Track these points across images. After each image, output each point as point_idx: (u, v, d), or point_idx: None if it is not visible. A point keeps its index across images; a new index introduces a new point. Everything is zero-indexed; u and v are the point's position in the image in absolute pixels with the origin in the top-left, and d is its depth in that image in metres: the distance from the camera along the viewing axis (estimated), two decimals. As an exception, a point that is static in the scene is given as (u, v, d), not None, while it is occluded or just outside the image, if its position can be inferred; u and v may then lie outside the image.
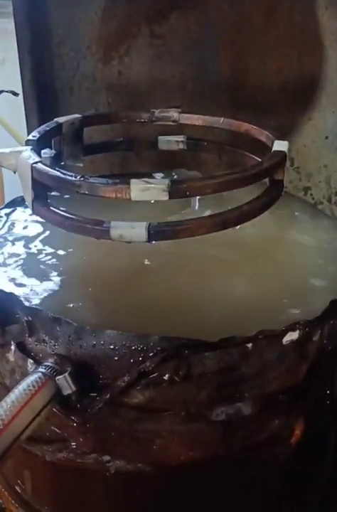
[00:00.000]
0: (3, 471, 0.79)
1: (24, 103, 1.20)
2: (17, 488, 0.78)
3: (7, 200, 0.91)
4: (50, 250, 0.77)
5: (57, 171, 0.63)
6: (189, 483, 0.65)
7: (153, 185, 0.59)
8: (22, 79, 1.20)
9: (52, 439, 0.66)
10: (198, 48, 1.17)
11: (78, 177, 0.61)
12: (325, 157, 1.23)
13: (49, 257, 0.76)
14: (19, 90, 1.21)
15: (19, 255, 0.76)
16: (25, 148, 0.69)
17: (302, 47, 1.16)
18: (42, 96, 1.21)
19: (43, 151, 0.76)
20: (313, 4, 1.13)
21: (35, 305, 0.66)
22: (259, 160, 0.79)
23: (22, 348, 0.64)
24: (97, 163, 1.08)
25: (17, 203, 0.88)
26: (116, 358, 0.59)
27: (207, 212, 0.69)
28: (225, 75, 1.19)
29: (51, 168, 0.64)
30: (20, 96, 1.20)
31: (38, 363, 0.62)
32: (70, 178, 0.62)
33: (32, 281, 0.70)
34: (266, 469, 0.68)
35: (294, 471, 0.70)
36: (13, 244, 0.79)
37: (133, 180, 0.59)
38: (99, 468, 0.65)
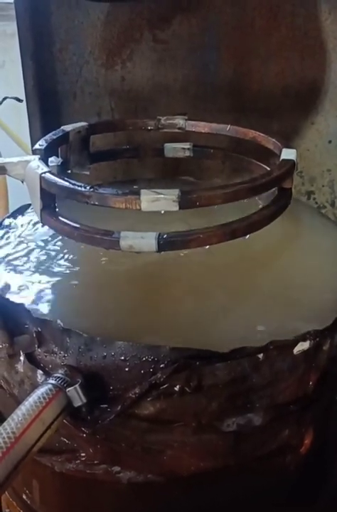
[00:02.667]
0: (11, 480, 0.79)
1: (27, 108, 1.20)
2: (24, 497, 0.78)
3: (11, 209, 0.91)
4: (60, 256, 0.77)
5: (67, 181, 0.63)
6: (200, 493, 0.65)
7: (163, 196, 0.59)
8: (25, 84, 1.19)
9: (62, 450, 0.66)
10: (201, 52, 1.17)
11: (88, 187, 0.61)
12: (329, 161, 1.23)
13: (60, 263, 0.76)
14: (20, 93, 1.21)
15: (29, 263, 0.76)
16: (33, 157, 0.69)
17: (305, 51, 1.16)
18: (44, 101, 1.20)
19: (49, 160, 0.76)
20: (316, 8, 1.13)
21: (45, 315, 0.65)
22: (266, 167, 0.79)
23: (31, 358, 0.64)
24: (100, 169, 1.08)
25: (21, 211, 0.87)
26: (126, 369, 0.59)
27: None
28: (227, 78, 1.18)
29: (60, 179, 0.64)
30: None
31: (47, 374, 0.62)
32: (79, 188, 0.61)
33: (41, 291, 0.70)
34: (276, 478, 0.68)
35: (304, 479, 0.70)
36: (20, 250, 0.78)
37: (143, 191, 0.59)
38: (109, 479, 0.65)
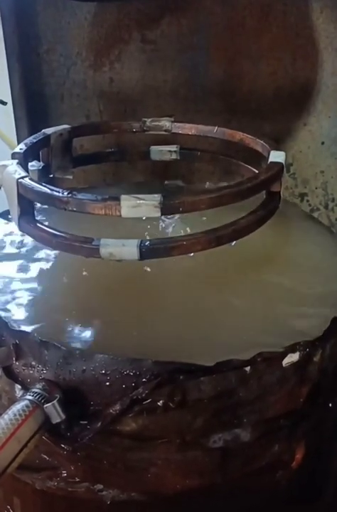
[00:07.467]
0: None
1: (13, 111, 1.17)
2: (6, 514, 0.75)
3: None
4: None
5: (44, 186, 0.60)
6: (185, 512, 0.62)
7: (144, 202, 0.56)
8: (11, 86, 1.16)
9: (42, 467, 0.63)
10: (190, 53, 1.15)
11: (66, 193, 0.58)
12: (322, 163, 1.21)
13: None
14: (7, 93, 1.18)
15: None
16: (10, 162, 0.66)
17: (296, 51, 1.14)
18: (31, 103, 1.18)
19: (30, 164, 0.73)
20: (308, 7, 1.10)
21: (23, 327, 0.62)
22: (254, 170, 0.76)
23: (9, 372, 0.61)
24: (89, 172, 1.05)
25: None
26: (107, 384, 0.56)
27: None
28: (217, 79, 1.16)
29: (38, 184, 0.61)
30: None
31: (25, 388, 0.59)
32: (56, 194, 0.59)
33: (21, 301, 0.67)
34: (267, 495, 0.65)
35: (295, 495, 0.67)
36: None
37: (123, 196, 0.56)
38: (91, 497, 0.62)
